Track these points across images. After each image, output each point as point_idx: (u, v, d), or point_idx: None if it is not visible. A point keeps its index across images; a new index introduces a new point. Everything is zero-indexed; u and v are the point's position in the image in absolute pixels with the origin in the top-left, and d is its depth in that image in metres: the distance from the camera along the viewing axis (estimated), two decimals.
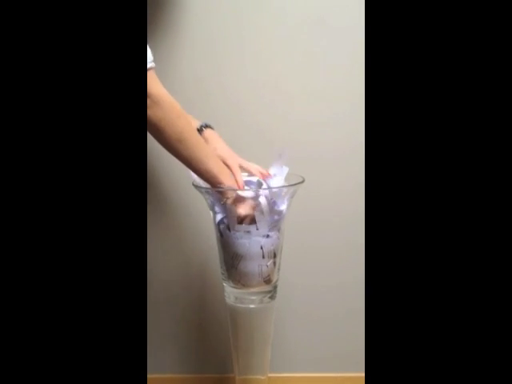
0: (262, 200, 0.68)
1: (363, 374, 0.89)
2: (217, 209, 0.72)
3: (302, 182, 0.72)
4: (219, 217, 0.72)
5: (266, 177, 0.74)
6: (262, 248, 0.70)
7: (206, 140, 0.75)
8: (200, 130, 0.78)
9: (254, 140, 0.91)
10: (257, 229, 0.69)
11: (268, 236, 0.71)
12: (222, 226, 0.72)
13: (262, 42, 0.90)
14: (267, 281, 0.73)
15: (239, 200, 0.69)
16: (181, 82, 0.91)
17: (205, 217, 0.86)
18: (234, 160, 0.74)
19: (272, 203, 0.70)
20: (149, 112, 0.62)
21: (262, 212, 0.69)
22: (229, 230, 0.70)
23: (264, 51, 0.91)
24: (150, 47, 0.63)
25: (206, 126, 0.79)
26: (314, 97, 0.92)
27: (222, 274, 0.75)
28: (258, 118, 0.92)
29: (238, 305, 0.74)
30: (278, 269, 0.75)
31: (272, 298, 0.75)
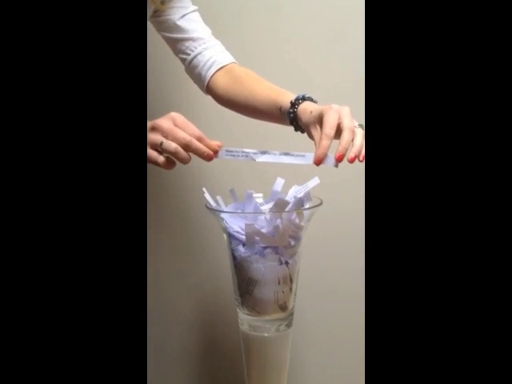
0: (281, 222, 0.65)
1: None
2: (231, 231, 0.69)
3: (320, 204, 0.69)
4: (233, 240, 0.69)
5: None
6: (278, 273, 0.67)
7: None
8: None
9: (254, 139, 0.89)
10: (275, 253, 0.66)
11: (285, 260, 0.68)
12: (235, 250, 0.69)
13: (264, 42, 0.90)
14: (283, 308, 0.70)
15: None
16: (183, 78, 0.90)
17: (217, 239, 0.84)
18: None
19: (292, 220, 0.66)
20: None
21: (280, 234, 0.66)
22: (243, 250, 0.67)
23: (265, 52, 0.90)
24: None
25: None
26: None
27: (236, 299, 0.72)
28: None
29: (253, 333, 0.71)
30: (295, 294, 0.72)
31: (288, 325, 0.71)
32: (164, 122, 0.64)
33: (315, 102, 0.75)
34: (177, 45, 0.85)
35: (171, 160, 0.65)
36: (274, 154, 0.68)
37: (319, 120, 0.68)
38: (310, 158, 0.66)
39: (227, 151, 0.68)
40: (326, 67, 0.96)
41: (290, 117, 0.75)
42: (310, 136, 0.72)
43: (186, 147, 0.64)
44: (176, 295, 0.92)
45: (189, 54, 0.85)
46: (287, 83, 0.80)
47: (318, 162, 0.65)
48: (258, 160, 0.68)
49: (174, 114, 0.65)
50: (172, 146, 0.63)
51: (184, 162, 0.65)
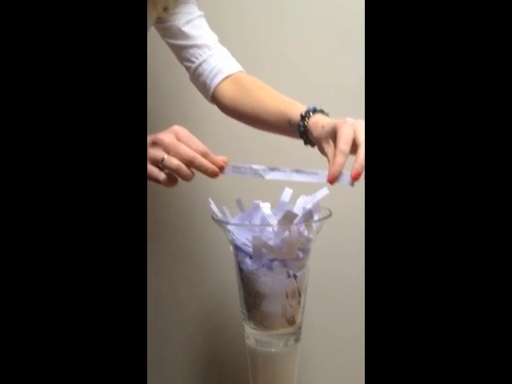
0: (290, 234, 0.63)
1: None
2: (238, 243, 0.67)
3: (330, 215, 0.67)
4: (240, 253, 0.67)
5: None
6: (286, 287, 0.65)
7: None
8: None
9: (255, 139, 0.87)
10: (283, 265, 0.64)
11: (293, 273, 0.66)
12: (242, 262, 0.67)
13: (266, 43, 0.88)
14: (291, 322, 0.68)
15: None
16: (186, 87, 0.88)
17: (224, 251, 0.82)
18: None
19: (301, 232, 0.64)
20: None
21: (288, 246, 0.64)
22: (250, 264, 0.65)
23: (268, 57, 0.89)
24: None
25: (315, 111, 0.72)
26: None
27: (242, 313, 0.70)
28: None
29: (259, 348, 0.69)
30: (303, 308, 0.70)
31: (297, 340, 0.69)
32: (166, 137, 0.60)
33: (327, 114, 0.72)
34: (181, 52, 0.82)
35: (173, 177, 0.62)
36: (285, 171, 0.64)
37: (332, 135, 0.65)
38: (323, 175, 0.62)
39: (234, 167, 0.64)
40: (330, 72, 0.94)
41: (300, 130, 0.72)
42: (322, 151, 0.68)
43: (189, 163, 0.60)
44: (180, 308, 0.90)
45: (193, 62, 0.82)
46: (289, 87, 0.79)
47: (332, 180, 0.61)
48: (267, 177, 0.65)
49: (176, 128, 0.62)
50: (174, 162, 0.60)
51: (186, 179, 0.61)
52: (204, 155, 0.61)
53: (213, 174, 0.62)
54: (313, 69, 0.96)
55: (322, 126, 0.67)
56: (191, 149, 0.60)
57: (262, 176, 0.65)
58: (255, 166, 0.65)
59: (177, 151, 0.60)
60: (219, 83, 0.81)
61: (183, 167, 0.60)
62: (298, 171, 0.64)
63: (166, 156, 0.60)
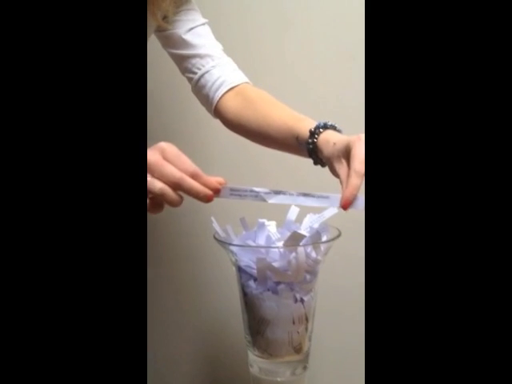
0: (296, 256, 0.59)
1: None
2: (241, 264, 0.63)
3: (339, 235, 0.63)
4: (244, 275, 0.63)
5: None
6: (292, 312, 0.61)
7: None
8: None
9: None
10: (289, 289, 0.60)
11: (300, 297, 0.61)
12: (246, 285, 0.63)
13: (270, 55, 0.85)
14: (298, 350, 0.63)
15: None
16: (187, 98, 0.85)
17: (227, 272, 0.78)
18: None
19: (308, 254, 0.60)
20: None
21: (295, 269, 0.60)
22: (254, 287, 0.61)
23: (271, 65, 0.86)
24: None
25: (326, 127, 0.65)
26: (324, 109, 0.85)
27: (246, 339, 0.66)
28: None
29: (264, 377, 0.64)
30: (311, 334, 0.66)
31: (304, 368, 0.65)
32: (150, 155, 0.51)
33: (339, 131, 0.66)
34: (183, 62, 0.77)
35: (157, 202, 0.52)
36: (291, 195, 0.58)
37: (345, 153, 0.59)
38: (335, 200, 0.56)
39: (232, 190, 0.56)
40: (335, 85, 0.92)
41: (309, 148, 0.66)
42: (334, 172, 0.62)
43: (176, 186, 0.51)
44: (181, 332, 0.86)
45: (195, 73, 0.77)
46: (293, 101, 0.75)
47: (346, 205, 0.54)
48: (270, 201, 0.58)
49: (163, 145, 0.53)
50: (157, 185, 0.50)
51: (173, 204, 0.52)
52: (194, 176, 0.52)
53: (205, 199, 0.54)
54: (318, 82, 0.93)
55: (334, 144, 0.61)
56: (179, 169, 0.51)
57: (264, 200, 0.58)
58: (257, 189, 0.58)
59: (161, 172, 0.51)
60: (223, 95, 0.76)
61: (168, 191, 0.51)
62: (305, 195, 0.57)
63: (149, 178, 0.50)
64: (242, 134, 0.76)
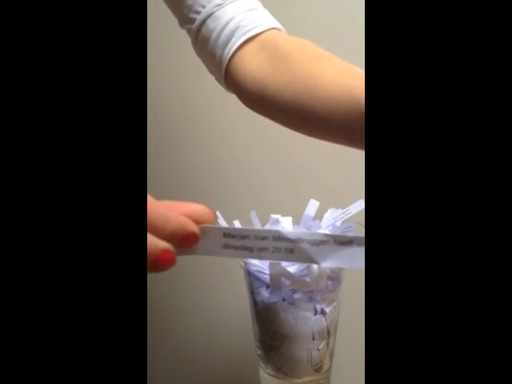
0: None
1: None
2: (252, 269, 0.55)
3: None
4: (254, 281, 0.54)
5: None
6: (312, 326, 0.53)
7: None
8: None
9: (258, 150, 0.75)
10: (308, 299, 0.52)
11: (321, 309, 0.53)
12: (257, 293, 0.54)
13: None
14: (318, 369, 0.55)
15: None
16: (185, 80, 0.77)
17: (235, 278, 0.69)
18: None
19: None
20: None
21: (315, 276, 0.51)
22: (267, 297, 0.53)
23: None
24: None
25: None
26: None
27: (258, 355, 0.57)
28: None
29: None
30: (332, 351, 0.57)
31: None
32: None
33: None
34: (180, 6, 0.50)
35: None
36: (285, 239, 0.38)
37: None
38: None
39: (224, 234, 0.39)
40: None
41: None
42: None
43: None
44: (183, 344, 0.79)
45: (198, 13, 0.48)
46: None
47: None
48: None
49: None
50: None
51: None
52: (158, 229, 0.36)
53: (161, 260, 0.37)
54: None
55: None
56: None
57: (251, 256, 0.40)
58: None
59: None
60: (237, 49, 0.48)
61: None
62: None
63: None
64: (268, 114, 0.50)
